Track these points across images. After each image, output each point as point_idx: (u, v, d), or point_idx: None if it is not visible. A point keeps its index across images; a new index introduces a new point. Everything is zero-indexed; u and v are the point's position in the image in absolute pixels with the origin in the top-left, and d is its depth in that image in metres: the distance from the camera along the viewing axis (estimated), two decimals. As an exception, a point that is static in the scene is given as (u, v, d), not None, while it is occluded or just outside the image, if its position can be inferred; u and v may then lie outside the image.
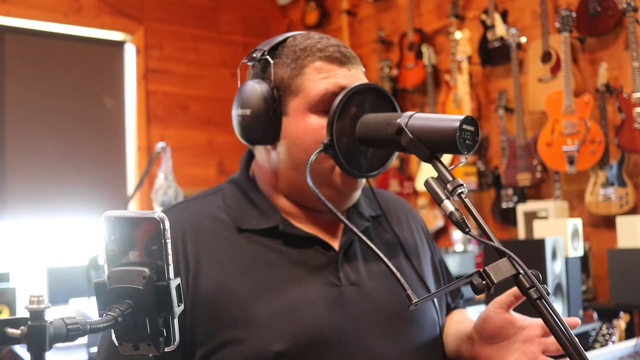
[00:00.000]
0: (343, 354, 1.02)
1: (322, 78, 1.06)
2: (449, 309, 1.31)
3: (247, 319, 1.01)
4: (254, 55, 1.10)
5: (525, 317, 1.05)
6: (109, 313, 0.66)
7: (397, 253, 1.18)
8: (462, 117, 0.91)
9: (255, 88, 1.07)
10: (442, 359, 1.16)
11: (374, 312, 1.07)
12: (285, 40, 1.11)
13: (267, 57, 1.09)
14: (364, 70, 1.16)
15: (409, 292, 0.89)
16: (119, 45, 4.61)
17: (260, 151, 1.14)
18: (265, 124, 1.07)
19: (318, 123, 1.06)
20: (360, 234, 0.97)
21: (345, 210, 1.17)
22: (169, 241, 0.68)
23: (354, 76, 1.09)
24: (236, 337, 1.00)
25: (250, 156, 1.20)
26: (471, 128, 0.92)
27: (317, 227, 1.13)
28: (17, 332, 0.61)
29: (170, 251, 0.69)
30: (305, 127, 1.06)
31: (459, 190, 0.89)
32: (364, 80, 1.10)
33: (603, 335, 2.03)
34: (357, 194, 1.14)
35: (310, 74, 1.07)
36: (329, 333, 1.02)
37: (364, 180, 1.13)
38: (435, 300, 1.16)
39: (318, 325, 1.02)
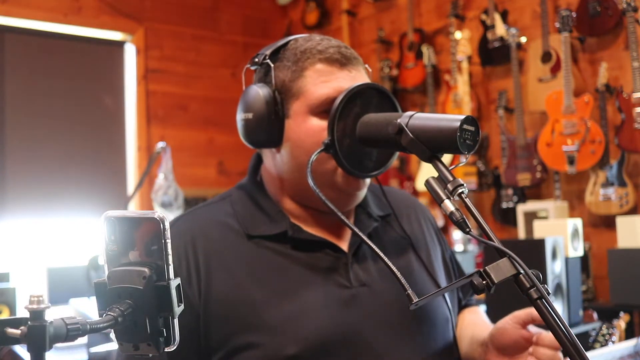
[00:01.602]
0: (355, 355, 1.02)
1: (323, 82, 1.07)
2: (460, 306, 1.31)
3: (258, 324, 1.01)
4: (256, 59, 1.12)
5: (540, 332, 1.05)
6: (109, 313, 0.66)
7: (407, 252, 1.18)
8: (462, 117, 0.91)
9: (257, 92, 1.08)
10: (455, 357, 1.16)
11: (385, 312, 1.07)
12: (287, 43, 1.12)
13: (268, 61, 1.09)
14: (370, 70, 1.16)
15: (409, 291, 0.89)
16: (119, 45, 4.61)
17: (267, 155, 1.15)
18: (268, 127, 1.08)
19: (319, 125, 1.06)
20: (359, 233, 0.97)
21: (352, 211, 1.17)
22: (169, 241, 0.69)
23: (355, 78, 1.09)
24: (249, 342, 1.01)
25: (258, 161, 1.20)
26: (471, 128, 0.92)
27: (326, 229, 1.13)
28: (17, 332, 0.61)
29: (170, 251, 0.69)
30: (307, 129, 1.07)
31: (460, 190, 0.89)
32: (365, 81, 1.10)
33: (603, 335, 2.03)
34: (362, 193, 1.14)
35: (310, 77, 1.07)
36: (340, 335, 1.02)
37: (368, 180, 1.13)
38: (447, 296, 1.16)
39: (329, 327, 1.02)
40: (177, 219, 1.17)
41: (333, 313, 1.03)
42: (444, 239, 1.32)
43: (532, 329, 1.06)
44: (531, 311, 1.04)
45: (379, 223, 1.18)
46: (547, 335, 1.04)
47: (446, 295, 1.16)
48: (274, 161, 1.13)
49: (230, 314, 1.02)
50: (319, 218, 1.13)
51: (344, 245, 1.12)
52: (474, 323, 1.24)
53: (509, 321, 1.06)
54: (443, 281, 1.21)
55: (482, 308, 1.35)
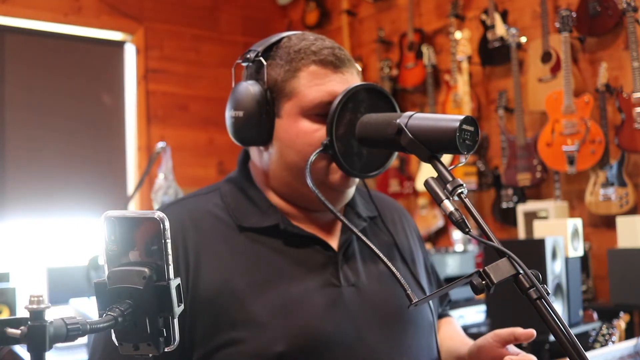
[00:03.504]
0: (343, 354, 1.02)
1: (316, 85, 1.06)
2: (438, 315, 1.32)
3: (247, 320, 1.01)
4: (248, 55, 1.10)
5: (518, 352, 1.05)
6: (109, 313, 0.66)
7: (393, 254, 1.18)
8: (461, 117, 0.91)
9: (248, 90, 1.07)
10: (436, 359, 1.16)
11: (373, 313, 1.07)
12: (280, 40, 1.11)
13: (261, 58, 1.08)
14: (360, 69, 1.16)
15: (409, 292, 0.89)
16: (119, 45, 4.61)
17: (253, 151, 1.15)
18: (258, 126, 1.07)
19: (310, 127, 1.06)
20: (360, 235, 0.97)
21: (342, 210, 1.17)
22: (169, 241, 0.68)
23: (348, 81, 1.09)
24: (237, 338, 1.00)
25: (247, 155, 1.19)
26: (471, 128, 0.92)
27: (315, 226, 1.13)
28: (17, 332, 0.61)
29: (170, 251, 0.69)
30: (298, 130, 1.06)
31: (459, 190, 0.89)
32: (358, 83, 1.10)
33: (603, 335, 2.03)
34: (351, 191, 1.14)
35: (304, 79, 1.06)
36: (330, 334, 1.02)
37: (357, 178, 1.13)
38: (430, 302, 1.16)
39: (319, 325, 1.02)
40: (165, 207, 1.14)
41: (323, 311, 1.03)
42: (425, 248, 1.32)
43: (512, 348, 1.05)
44: (513, 330, 1.03)
45: (367, 224, 1.18)
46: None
47: (430, 302, 1.16)
48: (260, 158, 1.12)
49: (217, 308, 1.01)
50: (307, 215, 1.13)
51: (333, 244, 1.12)
52: (450, 336, 1.25)
53: (490, 339, 1.05)
54: (426, 286, 1.21)
55: (456, 319, 1.36)
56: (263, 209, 1.11)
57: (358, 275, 1.10)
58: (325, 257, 1.09)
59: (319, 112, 1.06)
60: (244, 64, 1.12)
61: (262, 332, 1.00)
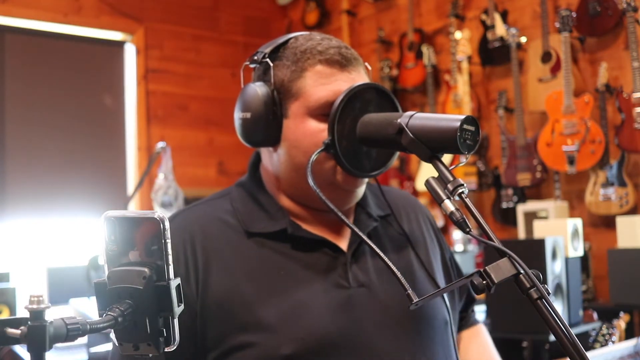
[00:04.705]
0: (351, 356, 1.02)
1: (322, 84, 1.06)
2: (462, 318, 1.30)
3: (256, 324, 1.01)
4: (255, 57, 1.11)
5: None
6: (109, 313, 0.65)
7: (406, 252, 1.17)
8: (462, 117, 0.91)
9: (256, 91, 1.08)
10: (454, 358, 1.15)
11: (383, 314, 1.07)
12: (287, 41, 1.11)
13: (267, 60, 1.09)
14: (370, 68, 1.15)
15: (410, 291, 0.89)
16: (119, 45, 4.61)
17: (264, 153, 1.15)
18: (266, 127, 1.07)
19: (317, 127, 1.06)
20: (361, 234, 0.96)
21: (352, 210, 1.17)
22: (169, 241, 0.68)
23: (355, 80, 1.08)
24: (246, 342, 1.00)
25: (258, 158, 1.20)
26: (472, 128, 0.92)
27: (325, 227, 1.13)
28: (17, 332, 0.61)
29: (170, 251, 0.69)
30: (305, 130, 1.06)
31: (460, 190, 0.89)
32: (365, 81, 1.10)
33: (603, 335, 2.03)
34: (361, 191, 1.13)
35: (310, 78, 1.06)
36: (337, 336, 1.02)
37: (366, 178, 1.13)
38: (447, 299, 1.16)
39: (326, 328, 1.02)
40: (175, 214, 1.16)
41: (330, 313, 1.03)
42: (444, 240, 1.31)
43: None
44: None
45: (379, 223, 1.17)
46: None
47: (446, 298, 1.15)
48: (271, 160, 1.13)
49: (226, 313, 1.02)
50: (317, 216, 1.13)
51: (343, 245, 1.11)
52: (478, 352, 1.23)
53: None
54: (442, 282, 1.20)
55: (483, 327, 1.34)
56: (271, 214, 1.11)
57: (368, 275, 1.09)
58: (334, 258, 1.09)
59: (325, 112, 1.06)
60: (252, 66, 1.13)
61: (269, 336, 1.00)
